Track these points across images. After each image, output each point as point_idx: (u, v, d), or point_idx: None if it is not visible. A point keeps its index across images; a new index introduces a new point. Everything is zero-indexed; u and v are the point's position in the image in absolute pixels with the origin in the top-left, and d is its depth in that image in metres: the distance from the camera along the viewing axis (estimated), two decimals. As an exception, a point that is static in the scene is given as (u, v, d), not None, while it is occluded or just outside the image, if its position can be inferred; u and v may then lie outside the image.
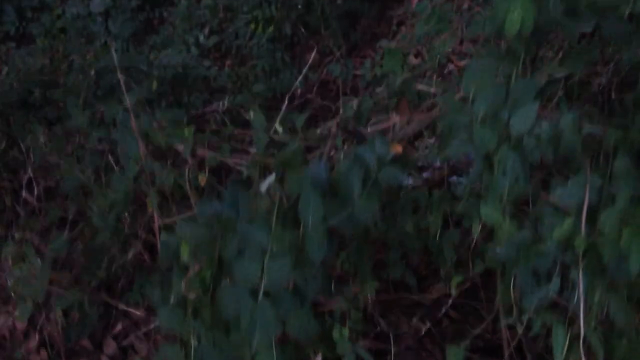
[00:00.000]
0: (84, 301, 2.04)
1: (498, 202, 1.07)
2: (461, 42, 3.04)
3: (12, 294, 2.10)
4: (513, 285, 1.06)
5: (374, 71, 2.84)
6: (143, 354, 2.01)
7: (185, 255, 1.15)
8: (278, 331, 1.19)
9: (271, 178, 1.25)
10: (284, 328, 1.21)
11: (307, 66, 2.80)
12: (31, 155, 2.48)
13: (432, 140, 2.02)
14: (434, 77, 2.51)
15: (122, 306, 2.13)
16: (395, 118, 1.67)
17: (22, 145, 2.54)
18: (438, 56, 2.71)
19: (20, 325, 2.08)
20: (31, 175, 2.50)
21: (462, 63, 3.12)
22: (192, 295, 1.14)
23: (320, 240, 1.09)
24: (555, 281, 0.99)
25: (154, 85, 2.29)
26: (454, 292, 1.22)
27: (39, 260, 2.07)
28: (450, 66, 3.17)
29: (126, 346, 2.06)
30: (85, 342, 2.04)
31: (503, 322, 1.18)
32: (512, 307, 1.10)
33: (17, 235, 2.27)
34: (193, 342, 1.20)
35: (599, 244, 0.90)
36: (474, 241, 1.14)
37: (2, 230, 2.35)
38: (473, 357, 1.98)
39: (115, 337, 2.08)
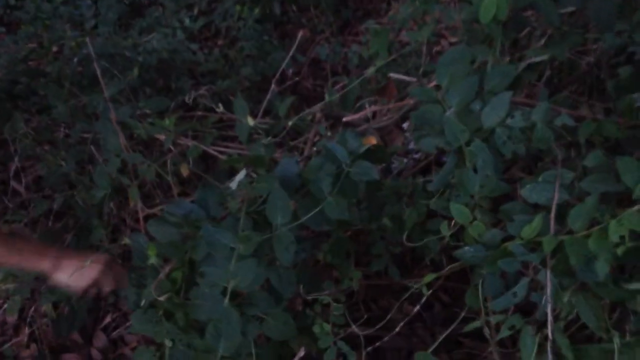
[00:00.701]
0: (73, 295, 2.03)
1: (468, 198, 1.04)
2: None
3: (1, 288, 2.09)
4: (482, 286, 1.03)
5: (363, 51, 2.78)
6: (133, 345, 2.01)
7: (152, 256, 1.13)
8: (255, 333, 1.18)
9: (241, 175, 1.22)
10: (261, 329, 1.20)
11: (295, 47, 2.74)
12: (17, 147, 2.46)
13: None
14: (424, 56, 2.45)
15: (110, 298, 2.14)
16: (373, 106, 1.62)
17: (6, 135, 2.51)
18: (427, 35, 2.64)
19: (10, 319, 2.08)
20: (19, 166, 2.49)
21: (454, 40, 3.06)
22: (162, 298, 1.12)
23: (289, 242, 1.06)
24: (524, 283, 0.96)
25: (135, 72, 2.24)
26: (424, 290, 1.19)
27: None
28: (443, 43, 3.10)
29: (116, 338, 2.06)
30: (75, 336, 2.04)
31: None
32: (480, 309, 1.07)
33: (5, 228, 2.26)
34: (167, 344, 1.18)
35: (567, 243, 0.87)
36: (446, 240, 1.11)
37: (-9, 222, 2.35)
38: (464, 341, 1.97)
39: (104, 330, 2.08)
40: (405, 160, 2.02)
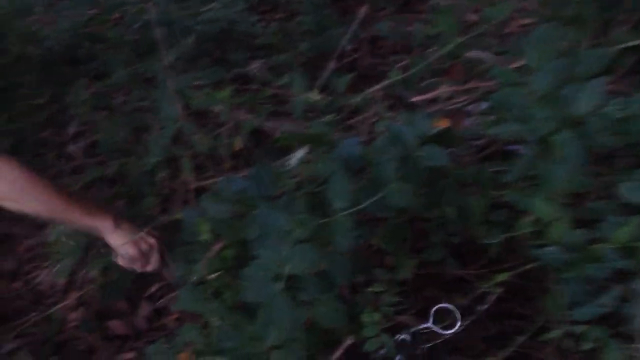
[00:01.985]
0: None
1: (552, 194, 0.94)
2: (527, -2, 2.80)
3: (53, 251, 2.12)
4: (563, 292, 0.94)
5: (427, 30, 2.64)
6: (175, 316, 2.00)
7: (204, 233, 1.08)
8: (303, 318, 1.12)
9: (300, 153, 1.15)
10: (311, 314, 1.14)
11: (356, 23, 2.64)
12: (74, 111, 2.47)
13: (484, 106, 1.86)
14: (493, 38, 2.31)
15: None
16: (450, 86, 1.51)
17: (67, 100, 2.53)
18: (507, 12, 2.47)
19: (60, 282, 2.11)
20: (76, 130, 2.50)
21: (525, 22, 2.88)
22: (212, 276, 1.08)
23: (348, 228, 0.99)
24: (614, 292, 0.86)
25: (192, 41, 2.20)
26: (494, 289, 1.10)
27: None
28: (513, 24, 2.93)
29: (160, 308, 2.05)
30: (121, 303, 2.04)
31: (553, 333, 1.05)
32: (561, 316, 0.98)
33: (64, 188, 2.28)
34: (214, 324, 1.14)
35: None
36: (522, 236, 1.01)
37: (46, 185, 2.37)
38: (518, 338, 1.87)
39: (149, 299, 2.07)
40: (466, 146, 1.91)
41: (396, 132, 1.07)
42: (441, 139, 1.09)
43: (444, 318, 1.48)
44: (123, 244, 1.34)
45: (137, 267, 1.38)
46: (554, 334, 1.00)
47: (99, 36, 2.78)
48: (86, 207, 1.31)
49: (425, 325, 1.36)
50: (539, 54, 1.04)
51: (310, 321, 1.20)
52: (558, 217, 0.92)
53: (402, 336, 1.33)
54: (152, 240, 1.32)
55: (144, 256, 1.33)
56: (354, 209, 1.01)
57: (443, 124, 1.10)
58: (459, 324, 1.34)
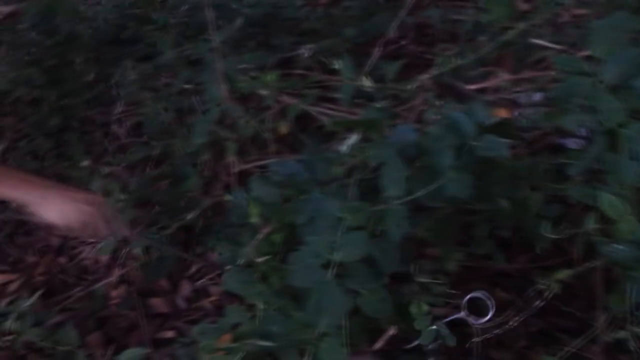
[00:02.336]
0: (164, 241, 2.06)
1: (619, 189, 0.90)
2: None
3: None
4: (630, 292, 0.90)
5: (477, 17, 2.58)
6: (214, 298, 2.01)
7: (254, 217, 1.07)
8: (349, 305, 1.10)
9: (353, 139, 1.13)
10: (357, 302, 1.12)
11: (405, 9, 2.59)
12: (121, 91, 2.50)
13: (537, 97, 1.80)
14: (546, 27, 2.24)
15: (198, 249, 2.15)
16: (502, 75, 1.47)
17: (112, 80, 2.56)
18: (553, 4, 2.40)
19: (103, 259, 2.14)
20: (121, 110, 2.53)
21: (579, 12, 2.78)
22: (260, 260, 1.07)
23: (402, 216, 0.97)
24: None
25: (239, 23, 2.19)
26: (555, 287, 1.07)
27: (123, 196, 2.08)
28: (565, 15, 2.83)
29: (199, 288, 2.07)
30: (163, 282, 2.07)
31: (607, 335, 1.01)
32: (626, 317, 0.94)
33: (104, 170, 2.32)
34: (259, 307, 1.13)
35: None
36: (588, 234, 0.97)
37: (92, 163, 2.41)
38: (562, 337, 1.82)
39: (190, 279, 2.09)
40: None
41: (454, 120, 1.04)
42: (499, 129, 1.05)
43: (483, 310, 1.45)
44: (54, 217, 1.23)
45: (84, 236, 1.30)
46: (621, 334, 0.96)
47: (145, 18, 2.81)
48: (11, 181, 1.23)
49: (458, 315, 1.34)
50: (607, 43, 1.00)
51: (355, 310, 1.19)
52: (627, 214, 0.88)
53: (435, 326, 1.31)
54: (90, 209, 1.24)
55: (87, 225, 1.25)
56: (408, 198, 0.99)
57: (502, 113, 1.07)
58: (491, 313, 1.31)
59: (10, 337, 1.70)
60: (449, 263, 1.38)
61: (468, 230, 1.60)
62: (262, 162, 1.94)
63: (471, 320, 1.29)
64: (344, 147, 1.13)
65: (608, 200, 0.88)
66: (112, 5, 2.76)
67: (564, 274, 1.01)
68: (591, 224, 0.95)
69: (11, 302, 1.98)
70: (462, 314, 1.29)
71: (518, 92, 1.54)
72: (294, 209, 1.08)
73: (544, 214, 1.35)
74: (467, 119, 1.03)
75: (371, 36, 2.90)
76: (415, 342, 1.30)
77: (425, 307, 1.24)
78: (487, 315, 1.32)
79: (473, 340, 1.22)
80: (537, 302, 1.14)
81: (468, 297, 1.28)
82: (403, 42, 2.89)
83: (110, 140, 2.51)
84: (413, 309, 1.26)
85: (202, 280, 2.08)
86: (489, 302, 1.24)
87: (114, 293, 2.03)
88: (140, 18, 2.80)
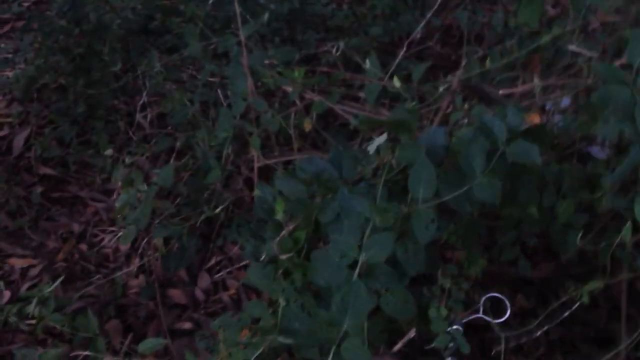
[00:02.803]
0: (184, 232, 2.07)
1: (655, 201, 0.88)
2: (611, -6, 2.66)
3: (119, 216, 2.17)
4: None
5: (506, 21, 2.55)
6: (232, 291, 2.02)
7: (280, 213, 1.07)
8: (372, 306, 1.10)
9: (381, 139, 1.12)
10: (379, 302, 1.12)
11: (432, 10, 2.57)
12: (146, 82, 2.51)
13: (567, 103, 1.77)
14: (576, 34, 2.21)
15: (219, 242, 2.16)
16: (531, 80, 1.45)
17: (138, 70, 2.57)
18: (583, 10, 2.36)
19: (123, 247, 2.16)
20: (146, 100, 2.55)
21: (609, 19, 2.74)
22: (284, 256, 1.07)
23: (430, 219, 0.96)
24: None
25: (265, 18, 2.19)
26: (585, 299, 1.05)
27: (145, 186, 2.10)
28: (595, 21, 2.79)
29: (218, 281, 2.08)
30: (182, 273, 2.08)
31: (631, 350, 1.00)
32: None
33: (127, 160, 2.33)
34: (281, 303, 1.13)
35: None
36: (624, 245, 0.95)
37: (115, 152, 2.43)
38: (582, 346, 1.80)
39: (209, 271, 2.11)
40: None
41: (486, 124, 1.02)
42: (532, 135, 1.04)
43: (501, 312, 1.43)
44: None
45: None
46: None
47: (173, 9, 2.82)
48: None
49: (476, 316, 1.33)
50: (645, 52, 0.98)
51: (375, 310, 1.19)
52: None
53: (455, 326, 1.31)
54: None
55: None
56: (437, 201, 0.98)
57: (534, 119, 1.05)
58: (508, 313, 1.31)
59: (31, 321, 1.73)
60: (473, 268, 1.37)
61: (493, 235, 1.59)
62: (285, 158, 1.94)
63: (489, 320, 1.28)
64: (372, 147, 1.12)
65: (643, 212, 0.87)
66: (140, -5, 2.78)
67: (594, 285, 0.99)
68: (627, 234, 0.93)
69: (32, 287, 2.01)
70: (480, 315, 1.28)
71: (547, 98, 1.52)
72: (320, 206, 1.08)
73: (572, 223, 1.33)
74: (500, 123, 1.02)
75: (397, 36, 2.89)
76: (433, 345, 1.30)
77: (444, 311, 1.24)
78: (504, 315, 1.32)
79: (494, 347, 1.20)
80: (562, 313, 1.12)
81: (485, 297, 1.28)
82: (429, 43, 2.88)
83: (134, 130, 2.53)
84: (432, 313, 1.26)
85: (221, 273, 2.10)
86: (507, 303, 1.23)
87: (133, 282, 2.05)
88: (167, 9, 2.82)
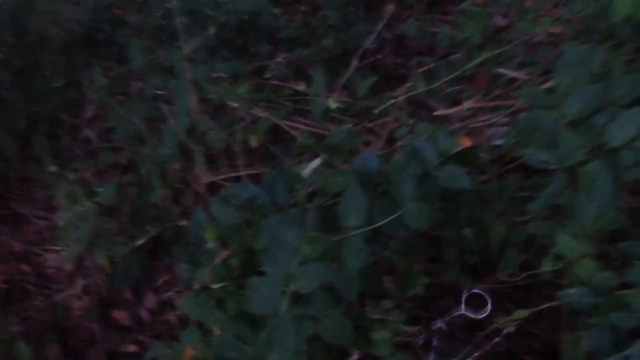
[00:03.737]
0: (129, 251, 2.02)
1: (579, 229, 0.89)
2: (557, 5, 2.71)
3: (62, 235, 2.10)
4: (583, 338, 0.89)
5: (454, 34, 2.57)
6: (179, 312, 1.97)
7: (211, 241, 1.05)
8: (309, 332, 1.08)
9: (316, 163, 1.11)
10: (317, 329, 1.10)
11: (383, 21, 2.59)
12: (90, 95, 2.45)
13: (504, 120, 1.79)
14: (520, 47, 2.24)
15: (165, 260, 2.10)
16: (471, 99, 1.46)
17: (84, 83, 2.51)
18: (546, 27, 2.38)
19: (67, 267, 2.09)
20: (91, 114, 2.48)
21: (555, 30, 2.80)
22: (216, 285, 1.04)
23: (360, 248, 0.95)
24: None
25: (212, 31, 2.16)
26: (510, 326, 1.06)
27: (90, 203, 2.04)
28: (541, 33, 2.85)
29: (165, 300, 2.03)
30: (127, 293, 2.02)
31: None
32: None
33: (71, 176, 2.27)
34: (216, 331, 1.11)
35: None
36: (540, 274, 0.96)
37: (59, 168, 2.36)
38: (527, 358, 1.82)
39: (155, 290, 2.05)
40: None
41: (417, 149, 1.02)
42: (463, 158, 1.04)
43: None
44: None
45: None
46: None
47: (120, 20, 2.76)
48: None
49: (458, 313, 1.34)
50: (570, 77, 0.99)
51: (316, 335, 1.17)
52: (585, 255, 0.87)
53: (438, 324, 1.32)
54: None
55: None
56: (368, 228, 0.97)
57: (466, 142, 1.06)
58: (489, 307, 1.32)
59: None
60: (416, 287, 1.37)
61: (435, 251, 1.60)
62: (231, 175, 1.91)
63: (472, 315, 1.29)
64: (306, 171, 1.11)
65: (564, 241, 0.87)
66: (93, 3, 2.70)
67: (521, 314, 0.99)
68: (548, 266, 0.93)
69: (-32, 310, 1.93)
70: (462, 311, 1.29)
71: (489, 116, 1.54)
72: (253, 233, 1.06)
73: (510, 239, 1.35)
74: (430, 147, 1.02)
75: (349, 46, 2.89)
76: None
77: (387, 334, 1.23)
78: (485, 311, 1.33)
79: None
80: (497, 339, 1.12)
81: (468, 293, 1.29)
82: (380, 55, 2.88)
83: (79, 145, 2.46)
84: (375, 336, 1.25)
85: (169, 293, 2.05)
86: (487, 297, 1.24)
87: (77, 304, 1.98)
88: (114, 20, 2.75)
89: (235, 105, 1.98)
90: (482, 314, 1.29)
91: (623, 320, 0.79)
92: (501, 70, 1.45)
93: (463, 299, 1.32)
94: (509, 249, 1.32)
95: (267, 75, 2.26)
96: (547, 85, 1.24)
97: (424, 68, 2.25)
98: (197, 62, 2.17)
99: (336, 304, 1.10)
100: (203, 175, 1.88)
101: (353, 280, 1.06)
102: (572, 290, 0.86)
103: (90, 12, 2.73)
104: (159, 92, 2.31)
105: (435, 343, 1.26)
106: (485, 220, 1.32)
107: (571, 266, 0.88)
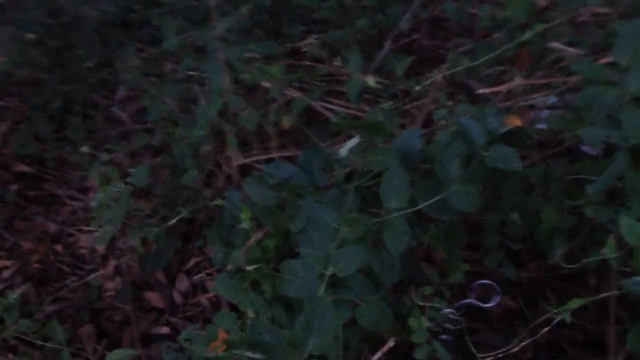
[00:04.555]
0: (161, 233, 2.00)
1: (642, 213, 0.82)
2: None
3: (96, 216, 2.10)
4: None
5: (494, 13, 2.48)
6: (211, 294, 1.96)
7: (245, 221, 1.01)
8: (346, 317, 1.05)
9: (353, 142, 1.06)
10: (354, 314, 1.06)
11: (419, 3, 2.50)
12: (123, 76, 2.44)
13: (553, 100, 1.71)
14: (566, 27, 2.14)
15: (199, 242, 2.09)
16: (517, 77, 1.39)
17: (116, 64, 2.50)
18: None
19: (100, 248, 2.10)
20: (124, 95, 2.48)
21: (600, 10, 2.67)
22: (250, 267, 1.01)
23: (402, 230, 0.90)
24: None
25: (245, 10, 2.11)
26: (567, 317, 0.99)
27: (123, 184, 2.03)
28: (586, 12, 2.72)
29: (197, 283, 2.02)
30: (160, 275, 2.02)
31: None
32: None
33: (105, 157, 2.26)
34: (250, 315, 1.07)
35: None
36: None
37: (93, 149, 2.36)
38: (569, 350, 1.76)
39: (187, 273, 2.04)
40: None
41: (464, 127, 0.96)
42: (511, 138, 0.98)
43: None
44: None
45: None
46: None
47: (153, 1, 2.73)
48: None
49: (468, 301, 1.29)
50: (633, 51, 0.92)
51: (351, 320, 1.13)
52: (648, 242, 0.81)
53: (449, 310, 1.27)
54: None
55: None
56: (411, 209, 0.92)
57: (515, 121, 0.99)
58: (497, 298, 1.26)
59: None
60: (457, 275, 1.32)
61: (478, 235, 1.54)
62: (264, 157, 1.87)
63: (480, 305, 1.24)
64: (343, 150, 1.06)
65: (628, 225, 0.80)
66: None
67: (576, 303, 0.93)
68: (610, 251, 0.87)
69: (4, 290, 1.95)
70: (471, 300, 1.24)
71: (531, 98, 1.46)
72: (289, 214, 1.02)
73: (558, 226, 1.28)
74: (478, 126, 0.96)
75: (384, 28, 2.82)
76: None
77: (425, 322, 1.18)
78: (494, 300, 1.28)
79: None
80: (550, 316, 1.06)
81: (477, 283, 1.23)
82: (416, 36, 2.80)
83: (113, 126, 2.46)
84: (412, 323, 1.20)
85: (200, 275, 2.03)
86: (497, 289, 1.18)
87: (109, 285, 1.98)
88: (147, 1, 2.73)
89: (268, 86, 1.94)
90: (490, 304, 1.24)
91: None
92: (554, 45, 1.35)
93: (473, 288, 1.27)
94: (557, 235, 1.26)
95: (302, 53, 2.20)
96: (603, 60, 1.16)
97: (462, 49, 2.16)
98: (230, 42, 2.13)
99: (375, 290, 1.05)
100: (235, 157, 1.85)
101: (394, 264, 1.01)
102: (637, 278, 0.80)
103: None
104: (192, 73, 2.29)
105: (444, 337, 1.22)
106: (530, 205, 1.25)
107: (634, 252, 0.81)
